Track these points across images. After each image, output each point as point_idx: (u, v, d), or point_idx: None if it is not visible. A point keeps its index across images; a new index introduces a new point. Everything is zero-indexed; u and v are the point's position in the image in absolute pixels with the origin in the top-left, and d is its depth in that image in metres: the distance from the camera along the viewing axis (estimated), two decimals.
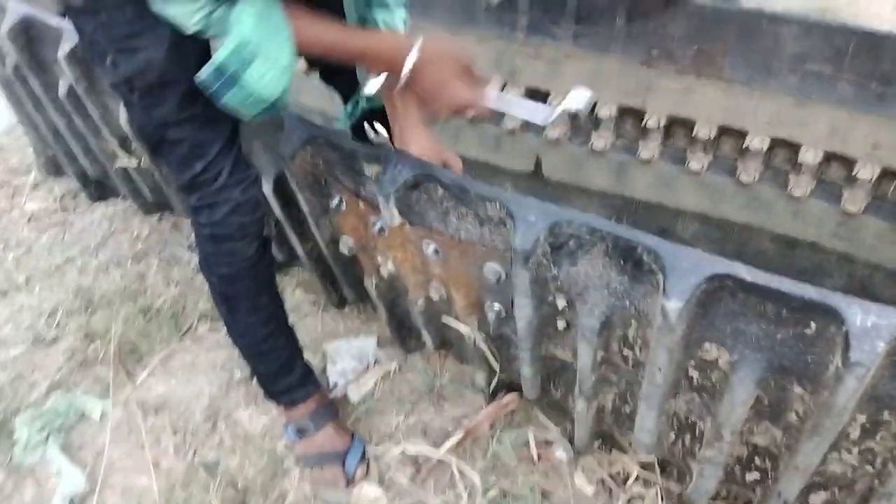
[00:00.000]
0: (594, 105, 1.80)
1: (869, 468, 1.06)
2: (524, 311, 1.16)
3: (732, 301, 0.98)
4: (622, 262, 1.04)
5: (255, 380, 1.49)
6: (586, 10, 1.71)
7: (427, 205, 1.19)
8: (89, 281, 1.90)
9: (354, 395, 1.60)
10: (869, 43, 1.43)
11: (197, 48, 1.07)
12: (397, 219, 1.19)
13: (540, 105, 1.12)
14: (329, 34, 1.04)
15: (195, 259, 1.89)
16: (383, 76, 1.11)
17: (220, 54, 0.98)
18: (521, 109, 1.11)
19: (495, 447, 1.47)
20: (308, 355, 1.61)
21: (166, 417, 1.58)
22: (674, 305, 0.96)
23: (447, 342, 1.53)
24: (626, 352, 1.16)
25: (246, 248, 1.24)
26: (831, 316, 0.91)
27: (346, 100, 1.43)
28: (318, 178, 1.33)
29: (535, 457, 1.45)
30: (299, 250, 1.60)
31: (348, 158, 1.20)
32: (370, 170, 1.20)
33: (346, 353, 1.68)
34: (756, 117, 1.62)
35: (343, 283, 1.61)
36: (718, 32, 1.57)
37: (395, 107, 1.28)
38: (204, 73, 1.00)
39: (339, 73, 1.39)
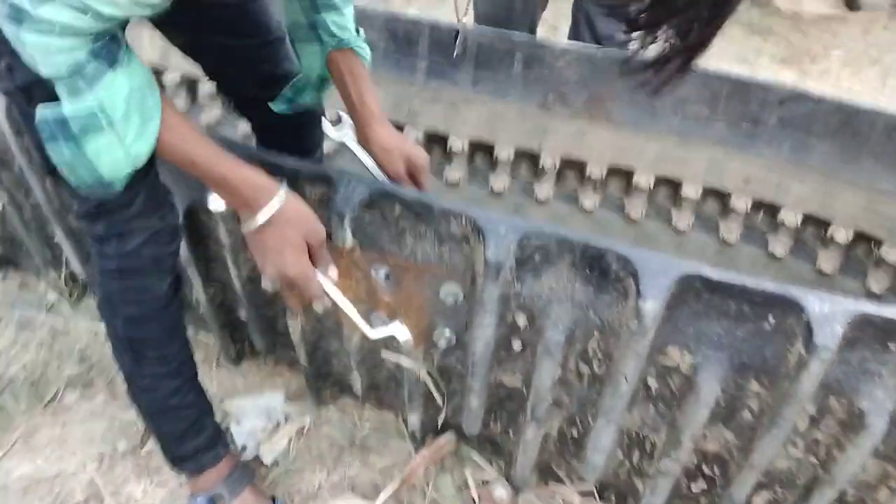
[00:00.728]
0: (492, 148, 1.85)
1: (813, 458, 1.13)
2: (484, 332, 1.13)
3: (696, 302, 1.02)
4: (588, 272, 1.05)
5: (155, 445, 1.29)
6: (485, 57, 1.77)
7: (380, 225, 1.13)
8: None
9: (268, 457, 1.44)
10: (740, 88, 1.62)
11: None
12: (349, 241, 1.12)
13: (368, 327, 1.14)
14: (197, 149, 0.92)
15: (52, 320, 1.64)
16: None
17: (71, 107, 0.80)
18: (353, 315, 1.11)
19: (433, 494, 1.38)
20: None
21: (37, 502, 1.30)
22: (650, 306, 0.98)
23: (375, 386, 1.43)
24: (583, 368, 1.16)
25: (159, 284, 1.09)
26: (789, 307, 0.97)
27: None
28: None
29: (476, 498, 1.38)
30: (200, 296, 1.44)
31: (289, 177, 1.11)
32: (313, 192, 1.12)
33: (252, 412, 1.52)
34: (643, 156, 1.76)
35: (253, 330, 1.46)
36: (608, 77, 1.70)
37: (350, 98, 1.21)
38: (43, 115, 0.81)
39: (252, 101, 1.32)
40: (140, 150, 0.86)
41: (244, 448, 1.44)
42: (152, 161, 1.05)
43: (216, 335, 1.54)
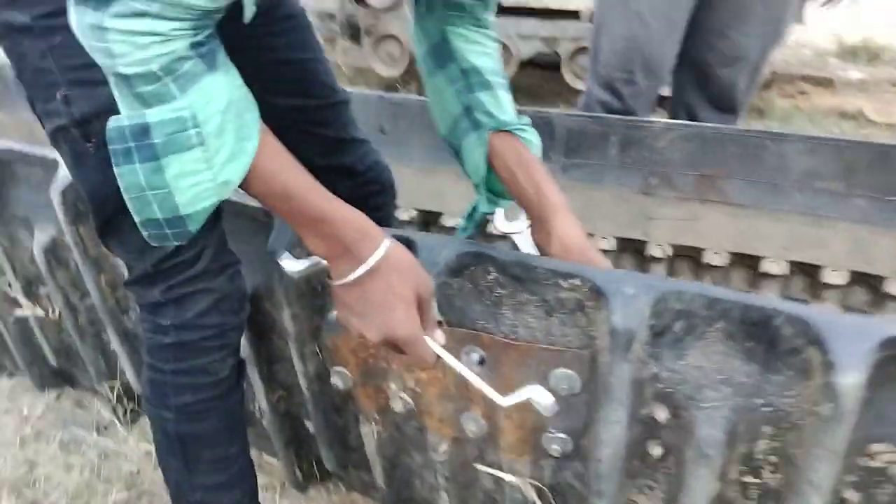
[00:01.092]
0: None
1: None
2: (613, 432, 0.87)
3: None
4: (750, 343, 0.80)
5: None
6: (576, 142, 1.62)
7: (471, 296, 0.92)
8: None
9: None
10: (881, 156, 1.39)
11: None
12: (435, 317, 0.91)
13: (496, 394, 0.84)
14: (296, 179, 0.73)
15: (103, 442, 1.47)
16: (315, 261, 0.85)
17: (157, 112, 0.64)
18: (473, 379, 0.83)
19: None
20: None
21: None
22: (851, 381, 0.72)
23: None
24: (749, 478, 0.87)
25: (221, 366, 0.92)
26: None
27: None
28: (311, 286, 1.04)
29: None
30: (262, 403, 1.24)
31: None
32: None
33: None
34: (771, 241, 1.51)
35: (322, 442, 1.23)
36: (720, 155, 1.50)
37: (523, 191, 0.96)
38: (119, 123, 0.65)
39: None
40: (231, 176, 0.68)
41: None
42: (220, 212, 0.91)
43: (281, 453, 1.31)
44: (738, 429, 0.83)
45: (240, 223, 1.10)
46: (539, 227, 0.95)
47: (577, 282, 0.84)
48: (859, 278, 1.50)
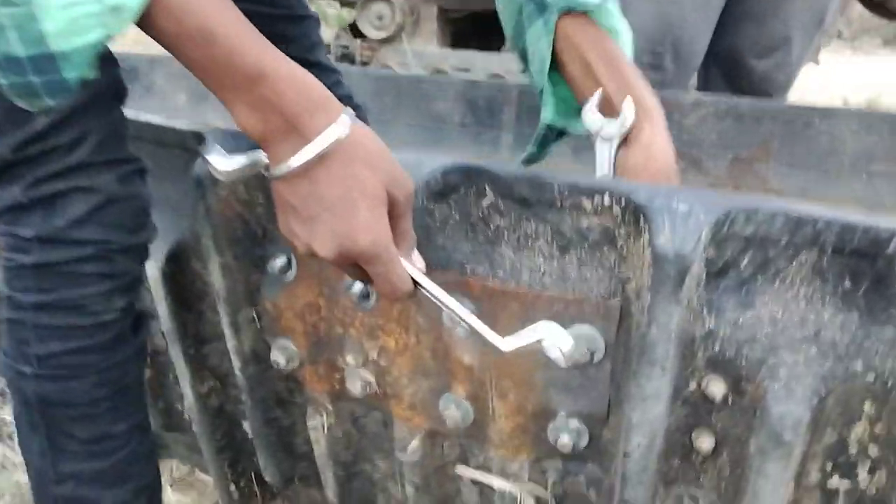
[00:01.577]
0: None
1: None
2: (651, 412, 0.62)
3: None
4: (849, 282, 0.57)
5: None
6: None
7: (458, 230, 0.69)
8: None
9: None
10: None
11: None
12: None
13: (496, 336, 0.59)
14: (222, 14, 0.50)
15: None
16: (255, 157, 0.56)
17: None
18: (465, 315, 0.59)
19: None
20: None
21: None
22: None
23: None
24: (836, 481, 0.63)
25: (104, 305, 0.68)
26: None
27: None
28: (249, 230, 0.80)
29: None
30: (189, 396, 0.98)
31: None
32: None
33: None
34: None
35: (261, 448, 0.97)
36: (760, 134, 1.30)
37: (602, 83, 0.73)
38: None
39: None
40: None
41: None
42: (120, 96, 0.68)
43: (212, 464, 1.04)
44: (828, 406, 0.59)
45: (161, 156, 0.86)
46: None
47: (606, 200, 0.61)
48: None
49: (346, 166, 0.52)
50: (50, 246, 0.63)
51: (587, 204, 0.62)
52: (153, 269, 0.88)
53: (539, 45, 0.75)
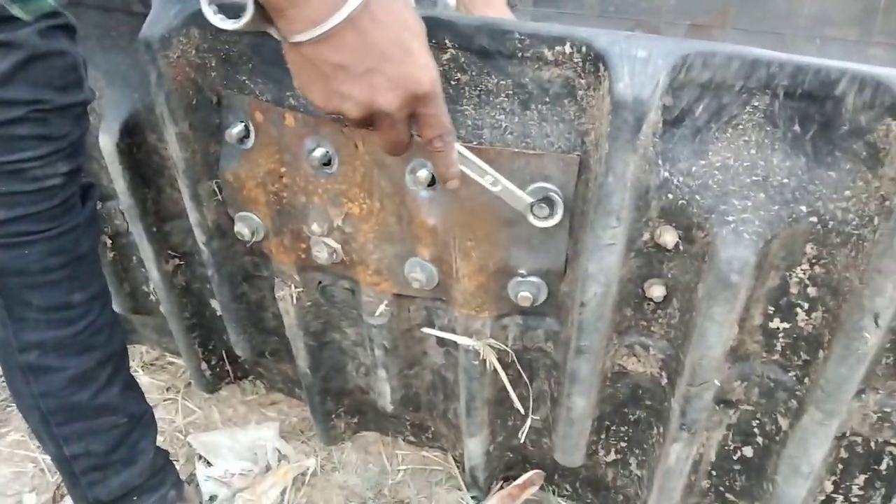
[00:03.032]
0: None
1: None
2: (607, 260, 0.65)
3: None
4: (797, 126, 0.59)
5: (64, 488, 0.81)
6: None
7: None
8: None
9: None
10: None
11: None
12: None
13: (515, 188, 0.63)
14: None
15: None
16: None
17: None
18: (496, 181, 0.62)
19: None
20: None
21: None
22: None
23: (413, 399, 0.94)
24: (777, 322, 0.67)
25: (46, 170, 0.66)
26: None
27: None
28: (203, 96, 0.78)
29: None
30: (154, 275, 0.98)
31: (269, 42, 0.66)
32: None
33: (229, 451, 1.03)
34: None
35: (231, 323, 0.98)
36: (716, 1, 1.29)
37: None
38: None
39: None
40: None
41: (212, 499, 0.95)
42: None
43: (182, 343, 1.06)
44: (772, 250, 0.62)
45: (107, 23, 0.83)
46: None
47: (567, 48, 0.61)
48: None
49: (388, 8, 0.49)
50: None
51: (548, 54, 0.61)
52: (108, 144, 0.86)
53: None
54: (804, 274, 0.63)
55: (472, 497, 0.97)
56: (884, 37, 1.21)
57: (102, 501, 0.80)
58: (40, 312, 0.70)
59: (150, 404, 0.89)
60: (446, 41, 0.64)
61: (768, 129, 0.60)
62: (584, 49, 0.60)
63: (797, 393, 0.69)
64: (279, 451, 1.04)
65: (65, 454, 0.77)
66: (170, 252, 0.97)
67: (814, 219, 0.60)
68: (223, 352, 1.11)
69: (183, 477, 0.93)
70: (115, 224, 1.00)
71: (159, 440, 0.89)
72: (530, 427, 0.86)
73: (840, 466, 0.74)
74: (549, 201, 0.66)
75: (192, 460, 1.01)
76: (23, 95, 0.62)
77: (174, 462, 0.90)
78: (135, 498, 0.81)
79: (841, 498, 0.76)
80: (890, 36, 1.21)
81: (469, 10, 0.77)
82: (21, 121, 0.62)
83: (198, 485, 0.96)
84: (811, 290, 0.64)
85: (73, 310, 0.72)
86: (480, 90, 0.66)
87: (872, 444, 0.71)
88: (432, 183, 0.69)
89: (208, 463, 1.00)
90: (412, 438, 1.05)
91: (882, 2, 1.20)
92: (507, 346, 0.78)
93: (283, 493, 0.97)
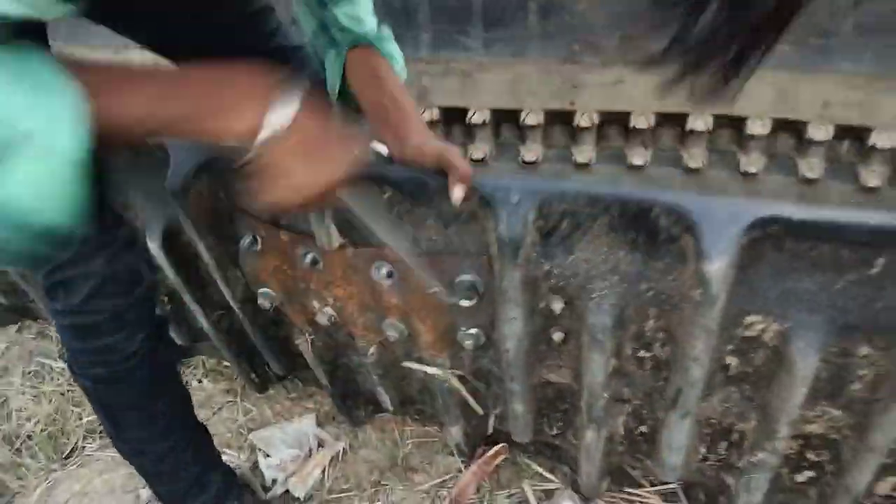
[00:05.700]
0: (518, 114, 1.64)
1: None
2: (514, 328, 0.92)
3: (777, 254, 0.79)
4: (633, 235, 0.83)
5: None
6: (495, 14, 1.56)
7: None
8: None
9: (299, 491, 1.27)
10: None
11: None
12: (336, 240, 0.94)
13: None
14: (144, 90, 0.59)
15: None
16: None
17: None
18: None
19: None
20: (231, 454, 1.30)
21: None
22: (716, 267, 0.76)
23: (409, 399, 1.25)
24: (643, 353, 0.94)
25: (125, 344, 0.92)
26: None
27: None
28: (220, 217, 1.05)
29: None
30: (204, 324, 1.29)
31: None
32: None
33: (281, 442, 1.36)
34: None
35: (266, 353, 1.30)
36: (642, 12, 1.46)
37: (380, 106, 0.92)
38: None
39: None
40: (63, 143, 0.52)
41: (273, 483, 1.29)
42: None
43: (233, 364, 1.39)
44: (627, 312, 0.88)
45: (141, 160, 1.09)
46: (392, 136, 0.92)
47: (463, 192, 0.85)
48: (784, 126, 1.51)
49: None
50: (76, 315, 0.88)
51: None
52: (154, 246, 1.14)
53: (332, 70, 0.94)
54: (653, 324, 0.89)
55: (462, 461, 1.28)
56: (788, 35, 1.38)
57: None
58: (133, 421, 0.99)
59: (216, 407, 1.22)
60: (385, 188, 0.89)
61: (613, 234, 0.84)
62: (479, 193, 0.84)
63: (665, 396, 0.96)
64: (318, 437, 1.37)
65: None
66: (212, 307, 1.27)
67: (652, 293, 0.86)
68: (265, 365, 1.43)
69: (248, 467, 1.27)
70: (168, 285, 1.30)
71: (228, 437, 1.22)
72: (495, 415, 1.16)
73: (708, 438, 1.02)
74: (472, 286, 0.92)
75: (254, 452, 1.35)
76: (102, 306, 0.87)
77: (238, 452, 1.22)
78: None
79: (713, 457, 1.05)
80: (789, 34, 1.37)
81: (401, 138, 0.91)
82: (104, 321, 0.89)
83: (261, 474, 1.30)
84: (658, 335, 0.90)
85: (154, 416, 1.00)
86: (414, 217, 0.91)
87: (723, 424, 0.98)
88: (390, 275, 0.96)
89: (267, 455, 1.33)
90: (416, 417, 1.37)
91: None
92: (464, 371, 1.07)
93: (322, 471, 1.30)
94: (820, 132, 1.45)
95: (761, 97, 1.46)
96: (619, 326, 0.89)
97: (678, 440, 1.00)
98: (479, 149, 1.67)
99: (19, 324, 1.71)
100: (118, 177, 0.99)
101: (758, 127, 1.48)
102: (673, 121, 1.57)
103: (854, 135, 1.46)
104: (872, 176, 1.46)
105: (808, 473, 1.02)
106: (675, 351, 0.89)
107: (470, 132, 1.68)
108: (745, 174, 1.53)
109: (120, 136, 0.58)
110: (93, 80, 0.55)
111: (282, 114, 0.62)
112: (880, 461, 0.93)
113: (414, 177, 0.87)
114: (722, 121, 1.53)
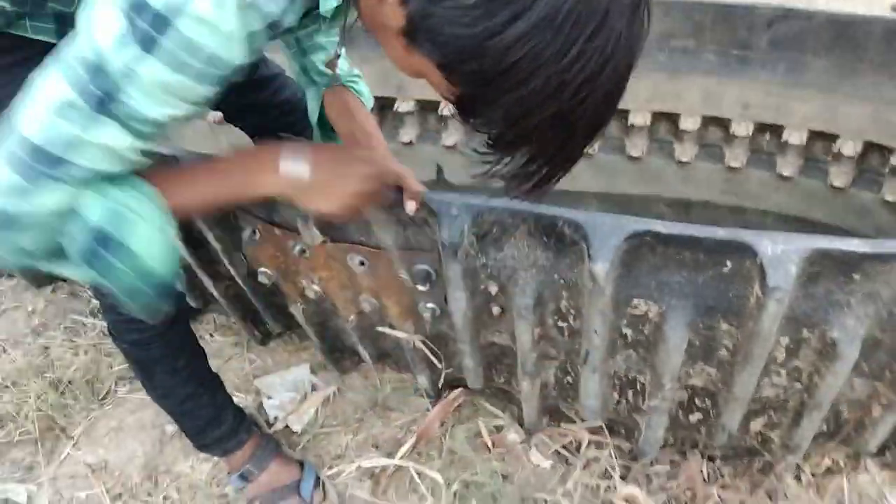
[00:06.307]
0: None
1: (797, 385, 1.15)
2: (459, 304, 1.18)
3: (653, 256, 1.04)
4: (545, 238, 1.08)
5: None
6: None
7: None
8: None
9: (296, 426, 1.56)
10: (724, 14, 1.56)
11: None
12: (318, 238, 1.18)
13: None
14: (197, 186, 0.83)
15: (99, 323, 1.80)
16: None
17: (91, 210, 0.71)
18: None
19: (449, 444, 1.48)
20: (240, 396, 1.57)
21: (101, 486, 1.48)
22: (600, 268, 1.01)
23: (385, 353, 1.52)
24: (561, 323, 1.20)
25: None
26: (743, 251, 0.98)
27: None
28: (225, 214, 1.29)
29: (490, 444, 1.47)
30: (214, 292, 1.55)
31: None
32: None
33: (280, 387, 1.64)
34: (636, 95, 1.73)
35: (266, 315, 1.57)
36: None
37: (353, 135, 1.16)
38: (80, 242, 0.72)
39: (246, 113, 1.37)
40: (157, 219, 0.76)
41: (275, 419, 1.57)
42: None
43: (240, 323, 1.66)
44: (545, 295, 1.14)
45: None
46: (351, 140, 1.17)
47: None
48: (712, 121, 1.75)
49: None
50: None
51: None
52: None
53: (312, 104, 1.20)
54: (565, 304, 1.15)
55: (429, 402, 1.57)
56: (714, 45, 1.60)
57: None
58: (161, 374, 1.26)
59: (226, 358, 1.49)
60: None
61: (532, 238, 1.09)
62: (427, 206, 1.09)
63: (580, 356, 1.23)
64: (312, 383, 1.65)
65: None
66: (220, 277, 1.53)
67: (562, 281, 1.11)
68: (266, 323, 1.70)
69: (254, 407, 1.56)
70: (185, 263, 1.56)
71: (236, 382, 1.50)
72: (455, 367, 1.44)
73: (619, 387, 1.30)
74: (427, 274, 1.18)
75: (259, 395, 1.63)
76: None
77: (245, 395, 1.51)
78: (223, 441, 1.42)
79: (624, 402, 1.33)
80: (718, 45, 1.60)
81: (343, 123, 1.16)
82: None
83: (265, 413, 1.58)
84: (571, 311, 1.16)
85: (177, 370, 1.27)
86: (378, 220, 1.15)
87: (628, 377, 1.26)
88: (362, 264, 1.22)
89: (269, 397, 1.62)
90: (392, 367, 1.65)
91: (709, 19, 1.57)
92: (426, 335, 1.34)
93: (316, 411, 1.59)
94: (741, 128, 1.68)
95: (692, 98, 1.68)
96: (540, 305, 1.15)
97: (593, 389, 1.28)
98: (451, 137, 1.91)
99: (53, 286, 1.97)
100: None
101: (689, 123, 1.72)
102: (618, 114, 1.79)
103: (772, 130, 1.70)
104: (787, 166, 1.70)
105: (697, 415, 1.31)
106: (582, 323, 1.16)
107: (443, 122, 1.91)
108: (679, 162, 1.77)
109: (191, 214, 0.92)
110: (161, 182, 0.79)
111: (295, 161, 0.85)
112: (745, 408, 1.22)
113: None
114: (659, 116, 1.76)
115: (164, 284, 0.79)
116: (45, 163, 0.65)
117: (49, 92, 0.64)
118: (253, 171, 0.86)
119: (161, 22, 0.60)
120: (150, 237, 0.75)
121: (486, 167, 0.68)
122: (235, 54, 0.65)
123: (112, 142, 0.67)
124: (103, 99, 0.64)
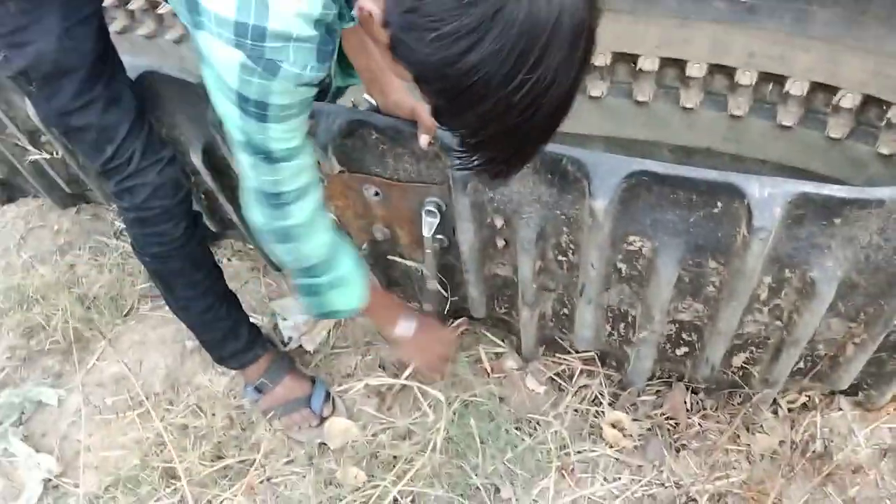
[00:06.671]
0: None
1: (778, 322, 1.24)
2: (466, 236, 1.26)
3: (649, 195, 1.11)
4: (550, 176, 1.15)
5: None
6: None
7: (363, 150, 1.25)
8: (17, 279, 1.86)
9: (309, 345, 1.67)
10: None
11: (90, 33, 1.08)
12: (336, 168, 1.26)
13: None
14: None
15: (122, 245, 1.89)
16: None
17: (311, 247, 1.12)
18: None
19: (451, 368, 1.58)
20: (256, 317, 1.67)
21: (125, 394, 1.60)
22: (600, 204, 1.09)
23: (394, 281, 1.61)
24: (561, 258, 1.29)
25: (173, 230, 1.27)
26: (733, 193, 1.05)
27: None
28: None
29: (489, 369, 1.57)
30: (234, 217, 1.63)
31: None
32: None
33: (296, 309, 1.74)
34: (644, 42, 1.77)
35: None
36: None
37: (368, 68, 1.24)
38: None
39: None
40: (356, 276, 1.19)
41: (290, 339, 1.68)
42: (143, 118, 1.21)
43: (257, 248, 1.74)
44: (547, 230, 1.22)
45: (186, 93, 1.38)
46: (377, 92, 1.24)
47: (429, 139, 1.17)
48: (718, 69, 1.79)
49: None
50: (138, 210, 1.22)
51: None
52: (196, 157, 1.46)
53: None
54: (565, 239, 1.23)
55: None
56: None
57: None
58: (181, 287, 1.35)
59: (244, 281, 1.59)
60: (372, 131, 1.20)
61: (537, 175, 1.16)
62: (439, 141, 1.15)
63: (575, 287, 1.32)
64: None
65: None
66: (240, 205, 1.60)
67: (564, 217, 1.19)
68: None
69: (269, 327, 1.66)
70: (207, 188, 1.63)
71: (253, 304, 1.60)
72: (460, 296, 1.53)
73: (611, 320, 1.39)
74: (438, 205, 1.26)
75: (274, 316, 1.73)
76: (155, 204, 1.22)
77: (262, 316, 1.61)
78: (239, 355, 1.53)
79: (616, 334, 1.42)
80: None
81: (384, 94, 1.23)
82: (158, 215, 1.24)
83: (280, 333, 1.69)
84: (570, 246, 1.24)
85: (195, 282, 1.35)
86: (394, 153, 1.23)
87: (621, 310, 1.35)
88: (377, 195, 1.29)
89: (284, 318, 1.72)
90: (401, 295, 1.73)
91: None
92: (434, 263, 1.42)
93: (327, 332, 1.69)
94: (745, 77, 1.73)
95: (699, 45, 1.72)
96: (542, 239, 1.23)
97: (588, 320, 1.37)
98: None
99: (77, 207, 2.06)
100: (169, 106, 1.31)
101: (695, 70, 1.76)
102: (626, 59, 1.84)
103: (775, 80, 1.74)
104: (788, 116, 1.76)
105: (684, 349, 1.40)
106: (580, 257, 1.24)
107: None
108: (684, 109, 1.82)
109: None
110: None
111: (406, 324, 1.33)
112: (729, 343, 1.31)
113: (393, 124, 1.19)
114: (668, 62, 1.80)
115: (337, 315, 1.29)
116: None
117: (244, 165, 0.99)
118: (383, 319, 1.38)
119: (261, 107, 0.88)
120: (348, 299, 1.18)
121: (458, 161, 0.82)
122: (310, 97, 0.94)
123: (286, 172, 0.99)
124: (266, 156, 0.95)
